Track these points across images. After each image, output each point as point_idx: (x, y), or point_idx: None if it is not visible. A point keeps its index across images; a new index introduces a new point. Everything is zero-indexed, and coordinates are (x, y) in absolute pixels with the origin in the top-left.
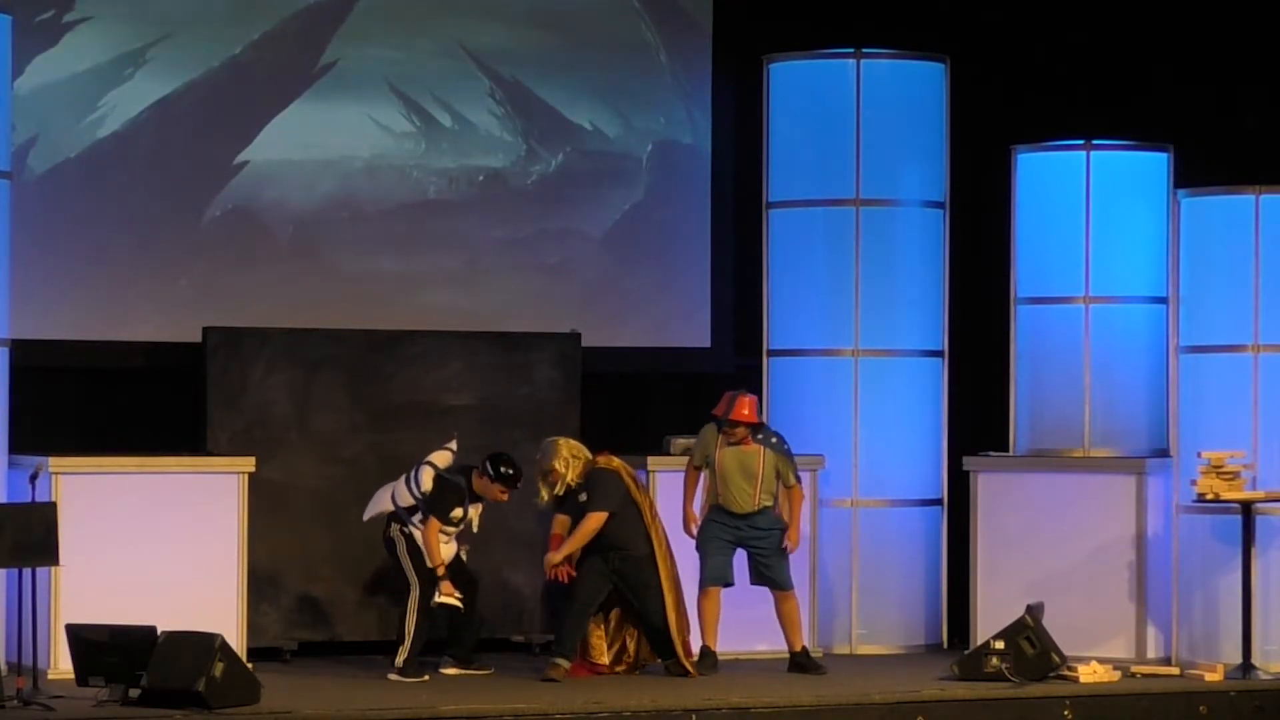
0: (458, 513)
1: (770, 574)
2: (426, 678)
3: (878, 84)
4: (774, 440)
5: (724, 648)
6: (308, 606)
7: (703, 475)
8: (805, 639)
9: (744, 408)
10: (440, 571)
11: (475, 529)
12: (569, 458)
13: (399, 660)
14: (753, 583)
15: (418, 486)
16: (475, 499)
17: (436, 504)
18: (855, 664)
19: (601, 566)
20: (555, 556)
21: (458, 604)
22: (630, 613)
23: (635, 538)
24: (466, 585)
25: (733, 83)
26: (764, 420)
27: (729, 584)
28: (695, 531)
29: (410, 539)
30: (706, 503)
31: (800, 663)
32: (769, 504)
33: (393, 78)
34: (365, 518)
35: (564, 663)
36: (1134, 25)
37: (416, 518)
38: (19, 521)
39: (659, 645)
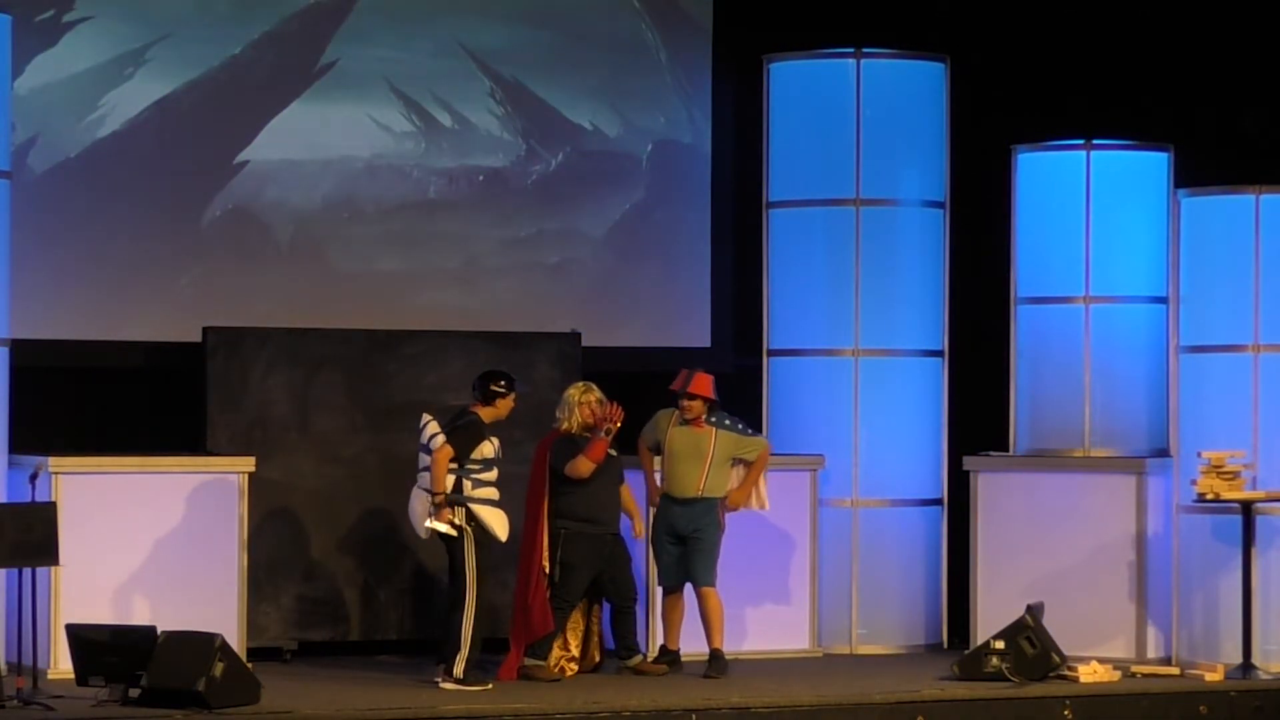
0: (486, 449)
1: (691, 568)
2: (490, 685)
3: (878, 84)
4: (726, 423)
5: (724, 647)
6: (308, 606)
7: (657, 462)
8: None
9: (701, 383)
10: (439, 499)
11: (495, 455)
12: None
13: (457, 669)
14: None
15: (428, 450)
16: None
17: (461, 441)
18: (855, 664)
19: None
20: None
21: (451, 531)
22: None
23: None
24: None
25: (733, 83)
26: (717, 401)
27: (683, 584)
28: (657, 502)
29: (477, 535)
30: (657, 492)
31: (711, 662)
32: (713, 496)
33: (393, 78)
34: (425, 535)
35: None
36: (1134, 26)
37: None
38: (19, 521)
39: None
